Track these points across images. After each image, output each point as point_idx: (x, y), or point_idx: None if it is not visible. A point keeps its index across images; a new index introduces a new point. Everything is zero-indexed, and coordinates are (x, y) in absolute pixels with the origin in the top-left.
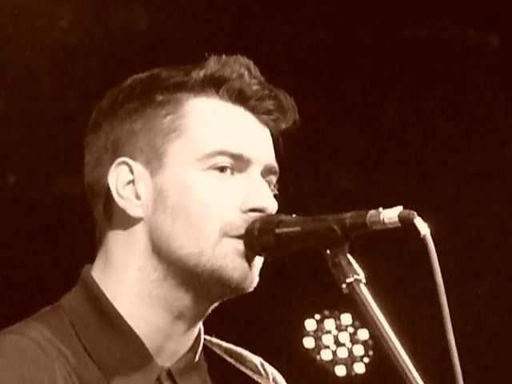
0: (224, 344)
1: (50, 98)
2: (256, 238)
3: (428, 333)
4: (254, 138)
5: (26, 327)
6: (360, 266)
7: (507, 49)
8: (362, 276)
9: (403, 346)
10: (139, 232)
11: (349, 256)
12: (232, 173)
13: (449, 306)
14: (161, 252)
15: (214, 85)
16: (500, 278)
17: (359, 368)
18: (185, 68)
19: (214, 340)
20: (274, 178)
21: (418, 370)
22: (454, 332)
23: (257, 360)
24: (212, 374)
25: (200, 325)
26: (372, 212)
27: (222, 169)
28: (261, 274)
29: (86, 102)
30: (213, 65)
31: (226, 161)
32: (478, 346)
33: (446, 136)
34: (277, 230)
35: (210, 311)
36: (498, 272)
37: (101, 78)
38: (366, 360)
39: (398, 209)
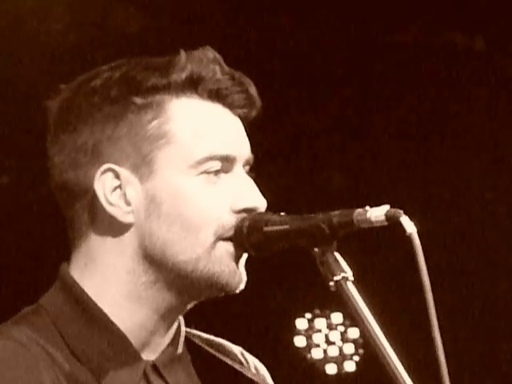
0: (204, 335)
1: (41, 102)
2: (245, 236)
3: (415, 330)
4: (235, 135)
5: (9, 329)
6: (348, 263)
7: (494, 51)
8: (349, 274)
9: (391, 343)
10: (129, 237)
11: (336, 254)
12: (220, 174)
13: (435, 304)
14: (154, 257)
15: (193, 85)
16: (488, 277)
17: (350, 366)
18: (156, 63)
19: (194, 331)
20: (248, 167)
21: (405, 368)
22: (440, 330)
23: (237, 350)
24: (195, 365)
25: (180, 317)
26: (359, 210)
27: (212, 173)
28: (252, 273)
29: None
30: (189, 65)
31: (216, 165)
32: (465, 343)
33: (434, 138)
34: (265, 228)
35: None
36: (486, 270)
37: None
38: (357, 358)
39: (385, 207)
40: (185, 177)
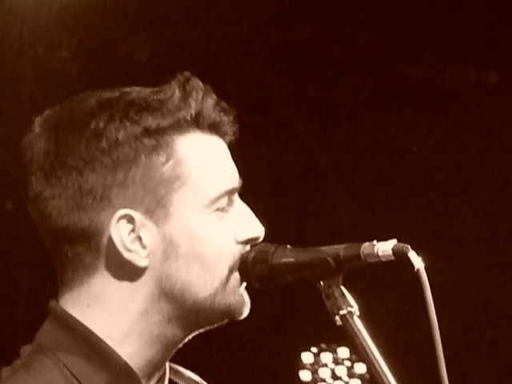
0: (176, 367)
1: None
2: (250, 268)
3: (422, 367)
4: (232, 166)
5: (26, 378)
6: (354, 298)
7: (506, 85)
8: (355, 308)
9: (397, 379)
10: (144, 279)
11: (342, 288)
12: (226, 209)
13: (442, 340)
14: (172, 297)
15: (196, 121)
16: (496, 312)
17: None
18: (154, 100)
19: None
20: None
21: None
22: (447, 366)
23: (193, 375)
24: None
25: None
26: (366, 244)
27: (222, 209)
28: (257, 306)
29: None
30: (192, 102)
31: (225, 201)
32: (472, 380)
33: (446, 171)
34: (271, 261)
35: None
36: (495, 306)
37: None
38: None
39: (392, 242)
40: (200, 216)
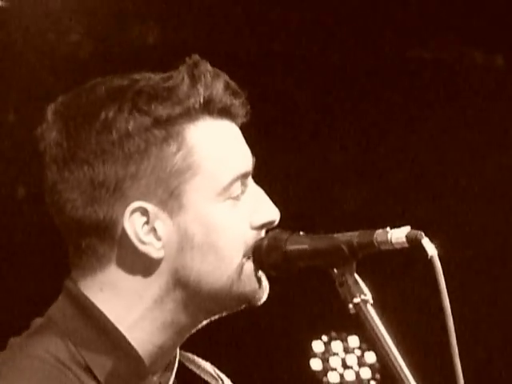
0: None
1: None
2: (264, 256)
3: (435, 354)
4: (245, 149)
5: (34, 345)
6: (367, 286)
7: None
8: (369, 296)
9: (410, 368)
10: (159, 271)
11: (356, 276)
12: (240, 195)
13: (455, 327)
14: (188, 287)
15: (206, 107)
16: (510, 299)
17: None
18: (162, 88)
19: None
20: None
21: None
22: (460, 354)
23: (210, 367)
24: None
25: None
26: (379, 231)
27: (235, 197)
28: (268, 295)
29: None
30: (200, 88)
31: (238, 186)
32: (486, 369)
33: (454, 155)
34: (284, 248)
35: None
36: (508, 293)
37: None
38: (373, 383)
39: (406, 229)
40: (214, 205)
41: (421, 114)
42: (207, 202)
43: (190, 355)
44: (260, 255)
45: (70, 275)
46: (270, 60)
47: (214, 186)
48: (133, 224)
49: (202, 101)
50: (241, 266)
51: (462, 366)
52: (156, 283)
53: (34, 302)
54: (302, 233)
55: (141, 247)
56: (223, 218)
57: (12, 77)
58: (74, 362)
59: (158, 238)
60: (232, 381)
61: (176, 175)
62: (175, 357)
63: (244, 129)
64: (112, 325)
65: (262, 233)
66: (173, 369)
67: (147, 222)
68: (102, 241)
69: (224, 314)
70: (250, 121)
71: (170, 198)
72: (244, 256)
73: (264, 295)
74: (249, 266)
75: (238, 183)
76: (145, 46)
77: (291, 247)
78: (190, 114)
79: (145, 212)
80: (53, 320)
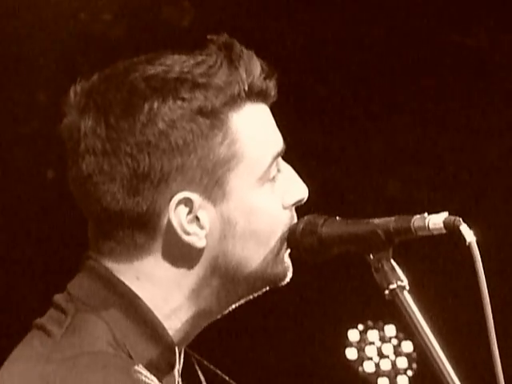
0: None
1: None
2: (299, 240)
3: (473, 342)
4: (275, 129)
5: (94, 344)
6: (403, 272)
7: None
8: (405, 282)
9: (447, 356)
10: (199, 259)
11: (392, 261)
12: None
13: (494, 315)
14: (226, 273)
15: (247, 94)
16: None
17: (402, 381)
18: (202, 72)
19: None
20: None
21: (462, 382)
22: (498, 341)
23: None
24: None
25: None
26: (417, 217)
27: (272, 175)
28: (303, 283)
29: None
30: (243, 74)
31: (275, 168)
32: None
33: (496, 144)
34: (319, 232)
35: None
36: None
37: None
38: (410, 373)
39: (444, 215)
40: (255, 190)
41: (463, 100)
42: (250, 188)
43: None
44: (295, 239)
45: (94, 258)
46: (308, 44)
47: (256, 171)
48: (178, 215)
49: (245, 88)
50: (278, 249)
51: (500, 354)
52: (195, 272)
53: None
54: (337, 218)
55: (185, 237)
56: (264, 202)
57: (43, 57)
58: (120, 349)
59: (202, 227)
60: (267, 370)
61: (221, 164)
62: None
63: (284, 113)
64: (151, 313)
65: (293, 211)
66: (180, 353)
67: (191, 212)
68: (143, 232)
69: (250, 297)
70: (292, 104)
71: (214, 187)
72: (281, 238)
73: (290, 274)
74: (283, 247)
75: (275, 164)
76: (179, 28)
77: (327, 232)
78: (234, 102)
79: (189, 202)
80: (90, 305)
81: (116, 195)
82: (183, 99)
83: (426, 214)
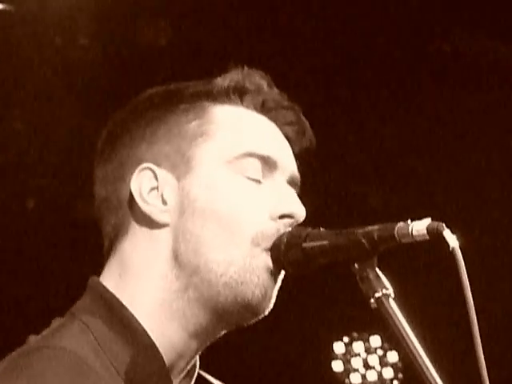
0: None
1: (70, 119)
2: (283, 253)
3: (458, 349)
4: (280, 145)
5: (62, 341)
6: (388, 280)
7: None
8: (390, 291)
9: (433, 363)
10: (164, 238)
11: (377, 270)
12: (261, 182)
13: (478, 320)
14: (187, 258)
15: (239, 94)
16: None
17: None
18: (202, 81)
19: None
20: (296, 191)
21: None
22: (484, 346)
23: None
24: None
25: (197, 357)
26: (400, 224)
27: (253, 180)
28: (288, 296)
29: (106, 122)
30: (235, 75)
31: (255, 164)
32: (509, 361)
33: (476, 149)
34: (304, 244)
35: (220, 335)
36: None
37: (122, 96)
38: (396, 383)
39: (427, 221)
40: (222, 172)
41: (442, 107)
42: (215, 167)
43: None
44: (279, 253)
45: (97, 274)
46: (287, 59)
47: (225, 152)
48: (139, 183)
49: (230, 85)
50: (249, 251)
51: (486, 362)
52: (162, 255)
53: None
54: (321, 229)
55: (144, 207)
56: (231, 187)
57: (18, 83)
58: (96, 356)
59: (164, 203)
60: None
61: (188, 140)
62: (195, 365)
63: None
64: (133, 317)
65: (282, 228)
66: (192, 376)
67: (157, 188)
68: (119, 217)
69: (227, 322)
70: None
71: (180, 161)
72: (255, 242)
73: (268, 306)
74: (262, 258)
75: (256, 163)
76: (156, 49)
77: (311, 243)
78: (215, 94)
79: (155, 176)
80: (75, 316)
81: (103, 182)
82: (168, 88)
83: (409, 221)
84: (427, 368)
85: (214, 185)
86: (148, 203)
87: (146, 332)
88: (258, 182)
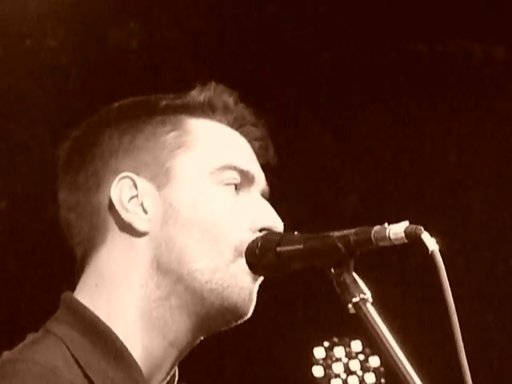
0: None
1: (39, 121)
2: (258, 257)
3: (440, 352)
4: (254, 160)
5: (33, 353)
6: (366, 284)
7: None
8: (368, 295)
9: (414, 367)
10: (143, 247)
11: (354, 274)
12: (240, 191)
13: (460, 324)
14: (170, 267)
15: (212, 109)
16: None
17: None
18: (176, 94)
19: None
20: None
21: None
22: (465, 349)
23: None
24: None
25: (176, 368)
26: (377, 228)
27: (233, 186)
28: (268, 301)
29: (77, 125)
30: (208, 91)
31: (235, 176)
32: (491, 364)
33: (453, 150)
34: (278, 249)
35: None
36: (510, 286)
37: (92, 99)
38: None
39: (404, 224)
40: (206, 183)
41: (418, 108)
42: (198, 178)
43: None
44: (253, 257)
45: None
46: (260, 60)
47: (206, 164)
48: (119, 191)
49: (203, 101)
50: (232, 258)
51: (468, 364)
52: (141, 263)
53: (13, 316)
54: (296, 233)
55: (124, 215)
56: (214, 197)
57: None
58: (71, 369)
59: (145, 212)
60: None
61: (168, 150)
62: (174, 375)
63: None
64: (108, 330)
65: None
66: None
67: (136, 196)
68: (93, 225)
69: (208, 323)
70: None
71: (160, 171)
72: (238, 250)
73: (248, 305)
74: (243, 264)
75: (236, 176)
76: (127, 51)
77: (285, 248)
78: (190, 109)
79: (134, 185)
80: (50, 330)
81: (73, 190)
82: (142, 99)
83: (386, 225)
84: (408, 373)
85: (197, 195)
86: (129, 211)
87: (123, 343)
88: (237, 194)
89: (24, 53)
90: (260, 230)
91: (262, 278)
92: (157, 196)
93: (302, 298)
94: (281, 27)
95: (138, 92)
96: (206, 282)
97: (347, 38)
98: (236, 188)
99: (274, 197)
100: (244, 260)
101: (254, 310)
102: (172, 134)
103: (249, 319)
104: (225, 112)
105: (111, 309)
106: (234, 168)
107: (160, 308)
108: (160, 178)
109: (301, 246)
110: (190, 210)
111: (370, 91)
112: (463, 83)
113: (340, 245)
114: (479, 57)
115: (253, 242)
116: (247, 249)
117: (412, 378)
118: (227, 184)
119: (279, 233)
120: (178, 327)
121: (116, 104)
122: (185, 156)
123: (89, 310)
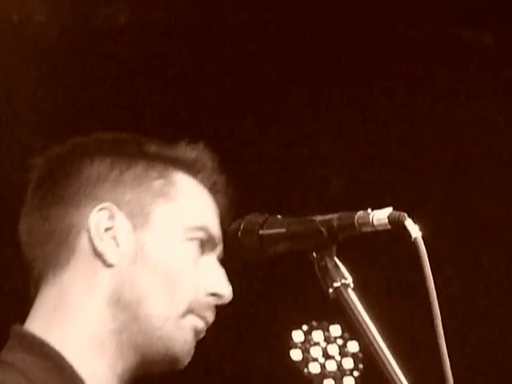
0: None
1: (26, 98)
2: (240, 240)
3: (419, 339)
4: (219, 227)
5: None
6: (348, 269)
7: (503, 46)
8: (349, 280)
9: (393, 353)
10: (107, 278)
11: (336, 259)
12: (203, 252)
13: (441, 311)
14: (129, 305)
15: (198, 170)
16: (494, 281)
17: (349, 382)
18: (165, 144)
19: None
20: None
21: (408, 380)
22: (446, 337)
23: None
24: None
25: None
26: (360, 213)
27: (200, 246)
28: (246, 284)
29: (64, 102)
30: (196, 150)
31: (205, 238)
32: (471, 351)
33: (439, 136)
34: (261, 231)
35: None
36: (493, 274)
37: (80, 76)
38: (356, 374)
39: (388, 210)
40: (179, 237)
41: (406, 93)
42: (173, 230)
43: None
44: (235, 239)
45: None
46: (249, 41)
47: (184, 219)
48: (98, 219)
49: (190, 159)
50: (183, 312)
51: (448, 352)
52: (101, 293)
53: None
54: (279, 216)
55: (98, 243)
56: (184, 255)
57: None
58: None
59: (117, 245)
60: (211, 373)
61: (151, 195)
62: None
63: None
64: (59, 355)
65: (211, 304)
66: None
67: (111, 229)
68: (62, 248)
69: (147, 365)
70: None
71: (139, 213)
72: (190, 307)
73: (187, 359)
74: (192, 320)
75: (205, 238)
76: (115, 29)
77: (268, 231)
78: (179, 164)
79: (112, 217)
80: (4, 361)
81: (43, 212)
82: (134, 138)
83: (369, 210)
84: (387, 360)
85: (169, 246)
86: (103, 241)
87: (74, 369)
88: (201, 254)
89: (11, 28)
90: (212, 294)
91: (201, 336)
92: (131, 234)
93: (281, 280)
94: (271, 12)
95: (124, 69)
96: (158, 329)
97: (330, 24)
98: (202, 248)
99: (260, 179)
100: (196, 319)
101: (234, 293)
102: (158, 181)
103: (227, 304)
104: (207, 175)
105: (65, 333)
106: (207, 230)
107: (112, 340)
108: (138, 218)
109: (283, 230)
110: (159, 258)
111: (360, 74)
112: (452, 68)
113: (323, 229)
114: (468, 43)
115: (236, 223)
116: (229, 231)
117: (391, 365)
118: (196, 243)
119: (263, 215)
120: (125, 362)
121: (107, 134)
122: (166, 205)
123: (40, 340)
